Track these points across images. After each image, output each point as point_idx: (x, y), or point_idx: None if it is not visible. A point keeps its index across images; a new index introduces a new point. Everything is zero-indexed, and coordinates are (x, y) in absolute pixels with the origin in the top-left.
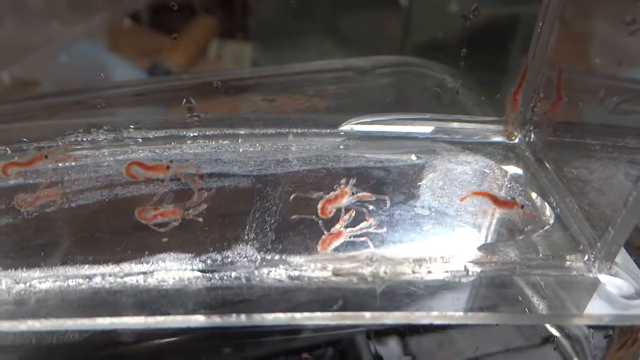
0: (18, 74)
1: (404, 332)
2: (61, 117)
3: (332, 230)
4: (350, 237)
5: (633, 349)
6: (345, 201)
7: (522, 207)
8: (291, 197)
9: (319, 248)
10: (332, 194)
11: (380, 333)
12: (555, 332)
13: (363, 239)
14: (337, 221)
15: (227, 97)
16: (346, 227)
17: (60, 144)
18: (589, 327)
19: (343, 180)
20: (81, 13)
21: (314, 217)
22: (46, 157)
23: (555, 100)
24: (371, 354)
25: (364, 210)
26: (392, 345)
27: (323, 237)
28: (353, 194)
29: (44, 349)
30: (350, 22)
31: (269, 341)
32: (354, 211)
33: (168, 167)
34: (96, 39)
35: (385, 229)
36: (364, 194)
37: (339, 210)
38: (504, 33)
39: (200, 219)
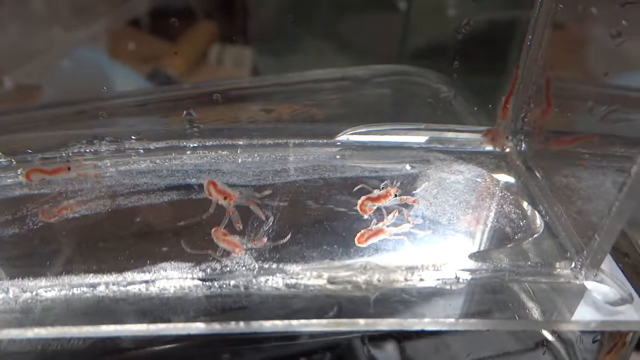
0: (19, 80)
1: (400, 337)
2: (64, 127)
3: (373, 227)
4: (391, 236)
5: (622, 352)
6: (387, 202)
7: (396, 195)
8: (355, 189)
9: (356, 241)
10: (375, 192)
11: (377, 338)
12: (549, 336)
13: (402, 238)
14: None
15: (225, 107)
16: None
17: (64, 154)
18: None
19: (387, 182)
20: (82, 19)
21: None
22: (69, 169)
23: (545, 107)
24: (368, 359)
25: (402, 210)
26: (389, 350)
27: (362, 231)
28: (396, 195)
29: (47, 355)
30: (350, 27)
31: (266, 347)
32: (397, 212)
33: (226, 198)
34: (97, 45)
35: (425, 232)
36: (408, 197)
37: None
38: (497, 43)
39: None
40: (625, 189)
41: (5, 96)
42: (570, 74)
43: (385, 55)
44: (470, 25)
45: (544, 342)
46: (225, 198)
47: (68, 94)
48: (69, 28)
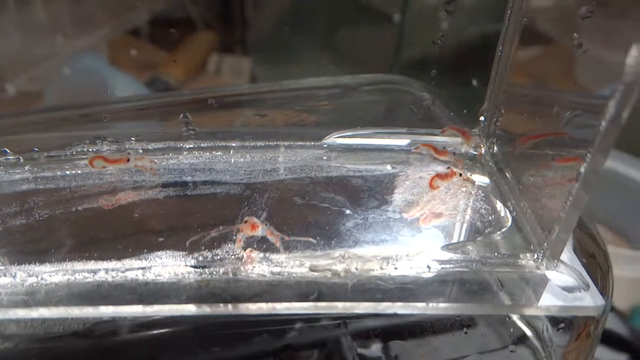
0: (23, 86)
1: (386, 336)
2: (69, 129)
3: (433, 209)
4: (460, 177)
5: (587, 343)
6: (453, 180)
7: (460, 174)
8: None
9: (420, 223)
10: (442, 171)
11: (363, 337)
12: (528, 332)
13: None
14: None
15: (221, 112)
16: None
17: (68, 153)
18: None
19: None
20: (84, 28)
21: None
22: (128, 160)
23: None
24: (356, 355)
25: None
26: (375, 349)
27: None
28: (460, 175)
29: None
30: (344, 38)
31: (255, 341)
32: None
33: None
34: (98, 53)
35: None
36: (468, 177)
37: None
38: (473, 52)
39: None
40: (578, 183)
41: (11, 100)
42: (537, 81)
43: (375, 65)
44: (446, 37)
45: (520, 338)
46: (246, 221)
47: (71, 100)
48: (72, 37)
